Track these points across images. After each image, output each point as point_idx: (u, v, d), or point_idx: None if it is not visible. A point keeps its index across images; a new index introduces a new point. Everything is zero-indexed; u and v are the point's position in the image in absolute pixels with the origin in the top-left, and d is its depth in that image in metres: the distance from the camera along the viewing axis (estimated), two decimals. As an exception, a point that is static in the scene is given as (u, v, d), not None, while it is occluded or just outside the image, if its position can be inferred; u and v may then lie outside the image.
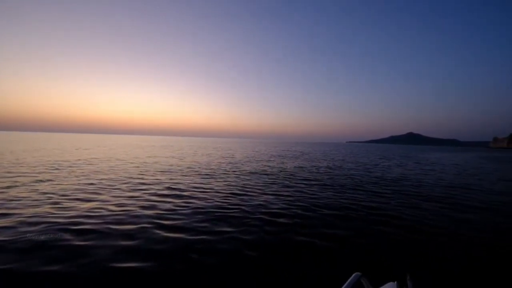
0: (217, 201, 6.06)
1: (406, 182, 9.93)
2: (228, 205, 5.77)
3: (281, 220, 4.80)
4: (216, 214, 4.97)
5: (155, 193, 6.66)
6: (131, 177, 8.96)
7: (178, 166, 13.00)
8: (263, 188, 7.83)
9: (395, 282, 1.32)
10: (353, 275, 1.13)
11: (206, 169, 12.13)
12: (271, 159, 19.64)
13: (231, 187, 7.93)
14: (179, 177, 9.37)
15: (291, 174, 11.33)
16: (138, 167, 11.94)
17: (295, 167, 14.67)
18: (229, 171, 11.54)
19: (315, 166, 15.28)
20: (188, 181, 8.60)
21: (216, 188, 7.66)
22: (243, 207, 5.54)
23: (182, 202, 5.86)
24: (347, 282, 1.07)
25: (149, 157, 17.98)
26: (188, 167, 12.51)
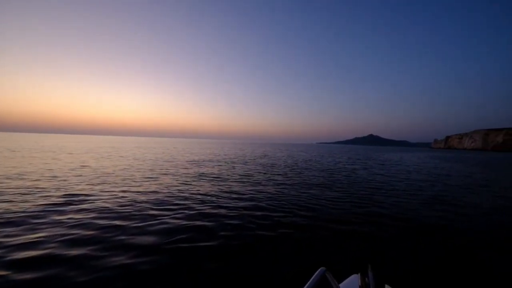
0: None
1: (378, 196, 6.50)
2: None
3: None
4: None
5: None
6: None
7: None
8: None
9: (358, 274, 1.40)
10: (318, 270, 1.16)
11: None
12: (220, 164, 15.01)
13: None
14: None
15: (225, 189, 6.90)
16: None
17: (242, 174, 10.33)
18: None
19: (267, 174, 11.15)
20: None
21: None
22: None
23: None
24: (312, 277, 1.10)
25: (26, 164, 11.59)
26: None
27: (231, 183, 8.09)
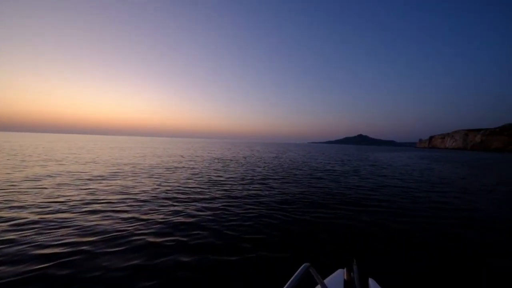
0: None
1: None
2: None
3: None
4: None
5: None
6: None
7: None
8: None
9: (344, 269, 1.42)
10: (302, 266, 1.15)
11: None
12: (194, 167, 13.13)
13: None
14: None
15: (178, 207, 5.10)
16: None
17: (214, 180, 8.53)
18: None
19: (244, 179, 9.43)
20: None
21: None
22: None
23: None
24: (296, 272, 1.09)
25: None
26: None
27: (193, 197, 6.25)
